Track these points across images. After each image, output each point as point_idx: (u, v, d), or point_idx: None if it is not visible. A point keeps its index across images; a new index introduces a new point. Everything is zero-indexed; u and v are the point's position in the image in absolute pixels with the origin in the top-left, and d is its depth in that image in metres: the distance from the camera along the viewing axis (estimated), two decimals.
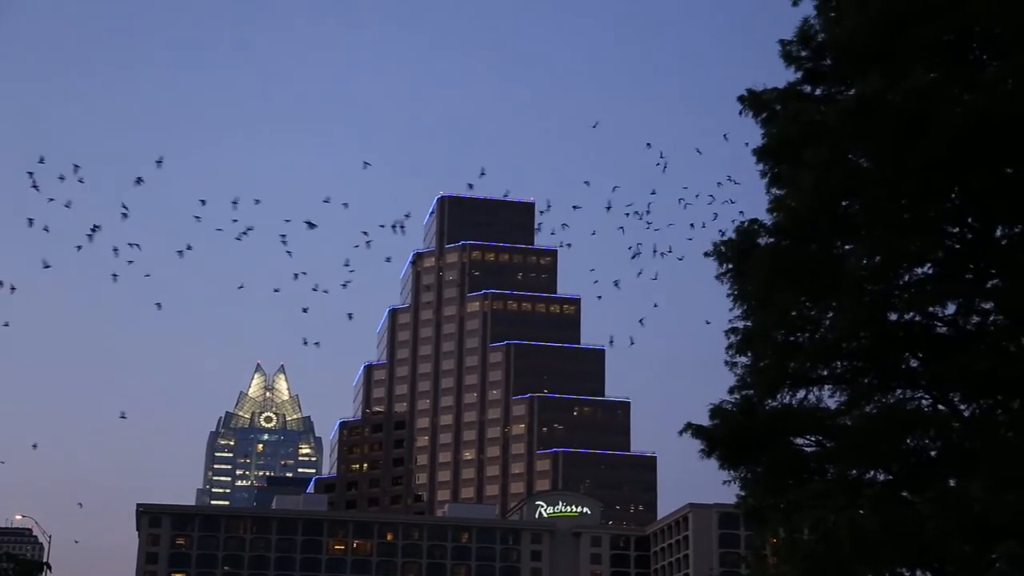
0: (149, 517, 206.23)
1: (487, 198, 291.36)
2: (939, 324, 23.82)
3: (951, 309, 23.59)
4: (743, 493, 25.41)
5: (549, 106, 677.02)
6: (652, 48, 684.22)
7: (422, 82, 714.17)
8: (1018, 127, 21.14)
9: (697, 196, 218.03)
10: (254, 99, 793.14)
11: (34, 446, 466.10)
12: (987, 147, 21.41)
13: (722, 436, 24.38)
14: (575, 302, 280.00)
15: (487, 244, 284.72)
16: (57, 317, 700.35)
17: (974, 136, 21.13)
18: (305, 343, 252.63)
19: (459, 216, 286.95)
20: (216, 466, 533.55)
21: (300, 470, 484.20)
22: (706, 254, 24.81)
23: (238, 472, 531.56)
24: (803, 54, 24.96)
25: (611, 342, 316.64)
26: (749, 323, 24.49)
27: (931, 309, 23.62)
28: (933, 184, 22.11)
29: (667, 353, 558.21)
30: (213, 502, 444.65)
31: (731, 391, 24.91)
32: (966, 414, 23.75)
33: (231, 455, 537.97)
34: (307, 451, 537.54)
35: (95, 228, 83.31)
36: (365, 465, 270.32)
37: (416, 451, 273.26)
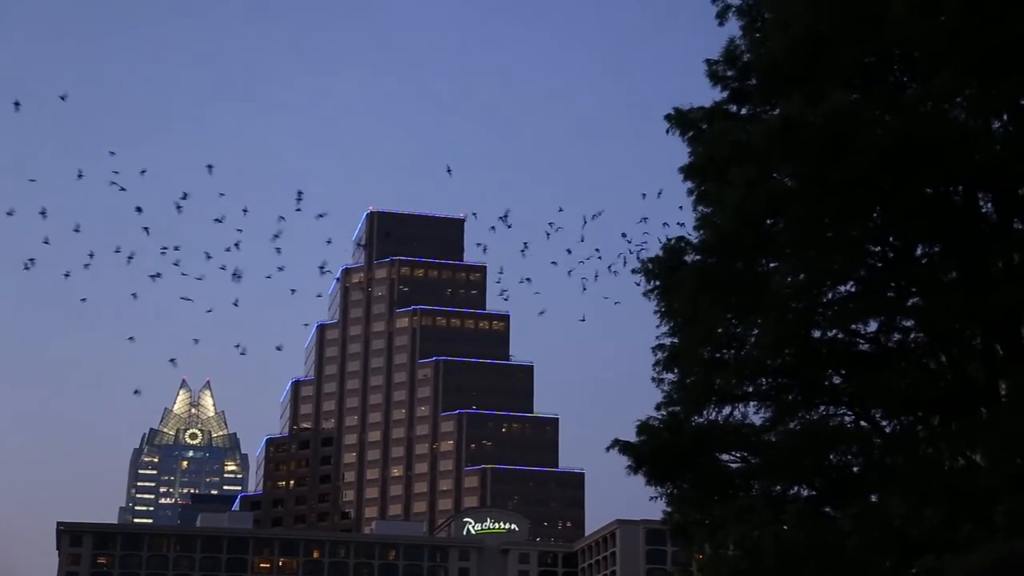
0: (70, 536, 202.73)
1: (416, 213, 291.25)
2: (861, 341, 24.14)
3: (873, 327, 23.92)
4: (669, 509, 25.54)
5: (489, 123, 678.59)
6: (599, 60, 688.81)
7: (355, 93, 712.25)
8: (937, 148, 21.52)
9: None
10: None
11: None
12: (907, 168, 21.74)
13: (649, 452, 24.49)
14: (504, 318, 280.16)
15: (416, 260, 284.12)
16: None
17: (895, 157, 21.45)
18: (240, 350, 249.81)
19: (388, 232, 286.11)
20: (139, 483, 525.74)
21: (226, 487, 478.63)
22: (634, 271, 24.96)
23: (162, 489, 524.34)
24: (729, 74, 25.18)
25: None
26: (676, 340, 24.64)
27: (853, 327, 23.92)
28: (855, 204, 22.39)
29: (595, 370, 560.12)
30: (136, 520, 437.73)
31: (658, 407, 25.03)
32: (887, 430, 24.09)
33: (155, 472, 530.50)
34: (233, 468, 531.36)
35: None
36: (292, 482, 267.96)
37: (343, 468, 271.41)
